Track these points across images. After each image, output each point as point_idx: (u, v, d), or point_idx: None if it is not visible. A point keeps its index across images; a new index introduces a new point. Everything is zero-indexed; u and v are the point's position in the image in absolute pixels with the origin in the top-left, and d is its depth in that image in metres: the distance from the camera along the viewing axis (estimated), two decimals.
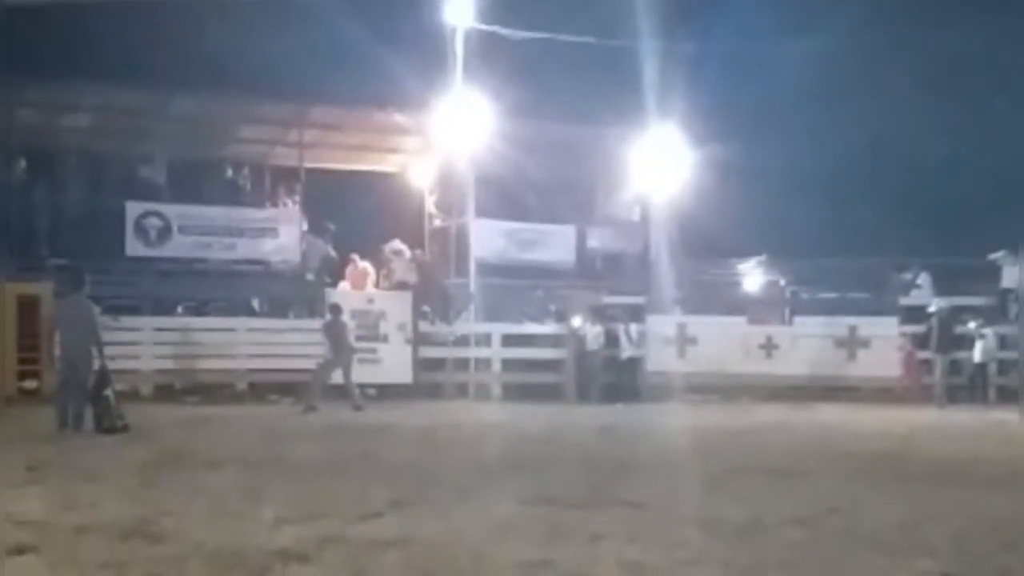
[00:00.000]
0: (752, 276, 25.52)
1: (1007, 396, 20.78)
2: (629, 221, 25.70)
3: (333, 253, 23.18)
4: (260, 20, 23.39)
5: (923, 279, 23.05)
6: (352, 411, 17.27)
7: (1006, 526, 7.71)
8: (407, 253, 23.45)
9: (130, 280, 21.41)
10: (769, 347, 21.87)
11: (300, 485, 9.15)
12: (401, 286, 22.70)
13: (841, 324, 21.83)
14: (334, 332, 18.79)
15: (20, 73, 20.40)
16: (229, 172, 24.41)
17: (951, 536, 7.29)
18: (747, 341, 21.94)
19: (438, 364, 22.07)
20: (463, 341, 22.17)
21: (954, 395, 21.08)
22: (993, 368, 21.84)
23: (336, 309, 19.20)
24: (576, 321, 21.69)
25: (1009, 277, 22.45)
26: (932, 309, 21.47)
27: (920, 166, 28.63)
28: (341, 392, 18.30)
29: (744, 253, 25.55)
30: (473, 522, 7.49)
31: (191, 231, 22.13)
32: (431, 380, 21.63)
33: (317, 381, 18.44)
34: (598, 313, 21.94)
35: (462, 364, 22.15)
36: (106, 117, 22.40)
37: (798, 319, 22.87)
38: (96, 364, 13.66)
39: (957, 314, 21.84)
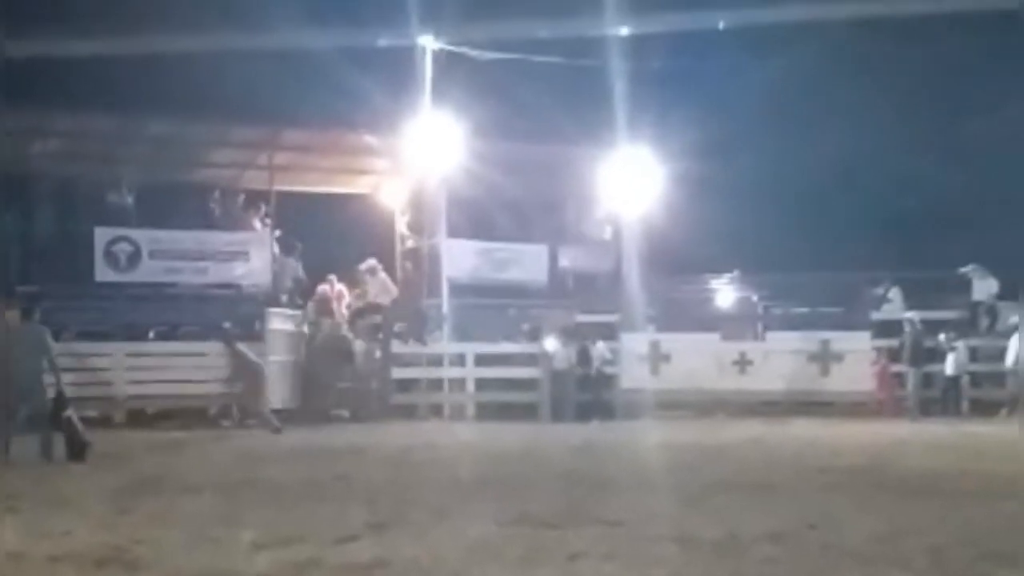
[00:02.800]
0: (724, 292, 25.60)
1: (979, 409, 20.92)
2: (601, 239, 25.76)
3: (302, 274, 23.14)
4: (233, 42, 23.33)
5: (894, 293, 23.17)
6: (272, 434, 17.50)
7: (983, 538, 7.74)
8: (381, 272, 23.42)
9: (100, 306, 21.30)
10: (743, 363, 21.92)
11: (276, 509, 9.10)
12: (374, 307, 22.68)
13: (814, 339, 21.91)
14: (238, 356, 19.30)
15: None
16: (200, 196, 24.31)
17: (928, 549, 7.30)
18: (721, 357, 21.98)
19: (412, 384, 22.04)
20: (437, 361, 22.14)
21: (927, 408, 21.19)
22: (965, 381, 21.96)
23: (230, 335, 19.75)
24: (548, 341, 21.68)
25: (979, 290, 22.63)
26: (906, 321, 21.56)
27: (891, 181, 28.84)
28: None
29: (716, 269, 25.63)
30: (451, 543, 7.46)
31: (161, 256, 22.05)
32: (406, 401, 21.60)
33: (259, 406, 18.47)
34: (570, 332, 21.95)
35: (436, 384, 22.12)
36: (76, 142, 22.32)
37: (771, 335, 22.94)
38: (52, 390, 13.56)
39: (931, 327, 21.96)
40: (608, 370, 21.78)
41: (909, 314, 21.76)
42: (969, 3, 19.05)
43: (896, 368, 21.52)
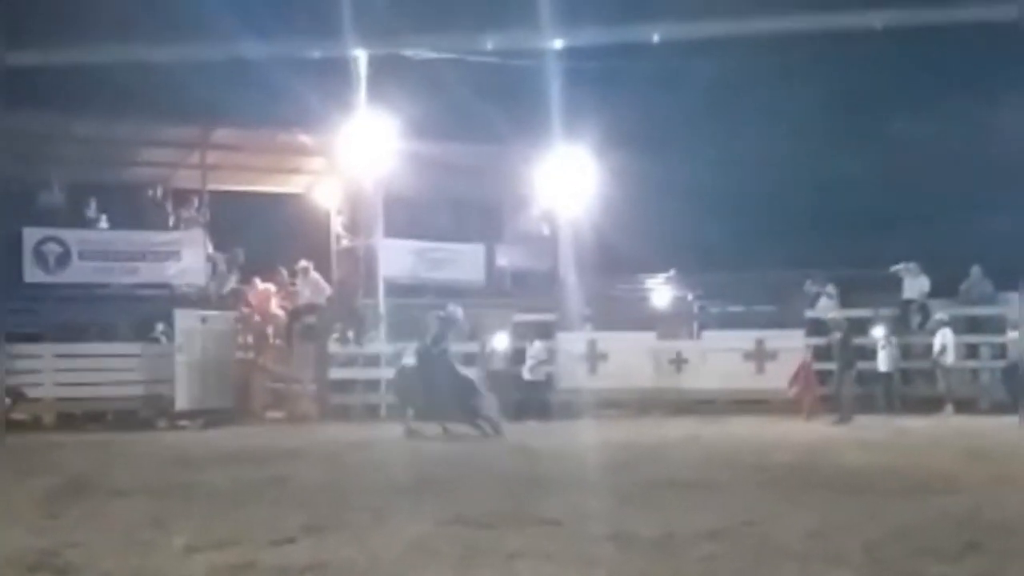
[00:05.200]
0: (660, 291, 25.69)
1: (911, 406, 21.16)
2: (538, 238, 25.77)
3: (234, 284, 23.01)
4: (163, 41, 23.06)
5: (830, 290, 23.39)
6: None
7: (914, 534, 7.82)
8: (313, 272, 23.26)
9: (30, 307, 20.96)
10: (679, 362, 22.01)
11: (210, 512, 8.99)
12: (309, 307, 22.52)
13: (749, 337, 22.06)
14: None
15: None
16: (131, 196, 24.02)
17: (863, 545, 7.37)
18: (657, 356, 22.06)
19: (348, 385, 21.90)
20: (373, 361, 22.00)
21: (860, 405, 21.41)
22: (897, 378, 22.22)
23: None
24: (487, 340, 21.64)
25: (911, 288, 22.91)
26: (830, 320, 21.39)
27: (823, 182, 29.15)
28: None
29: (652, 269, 25.73)
30: (388, 545, 7.41)
31: (91, 256, 21.76)
32: (341, 402, 21.46)
33: None
34: (506, 331, 21.92)
35: (373, 385, 21.98)
36: (4, 141, 21.92)
37: (707, 333, 23.06)
38: None
39: (862, 325, 22.17)
40: (544, 369, 21.76)
41: (833, 313, 21.82)
42: (896, 15, 19.32)
43: (819, 367, 21.64)
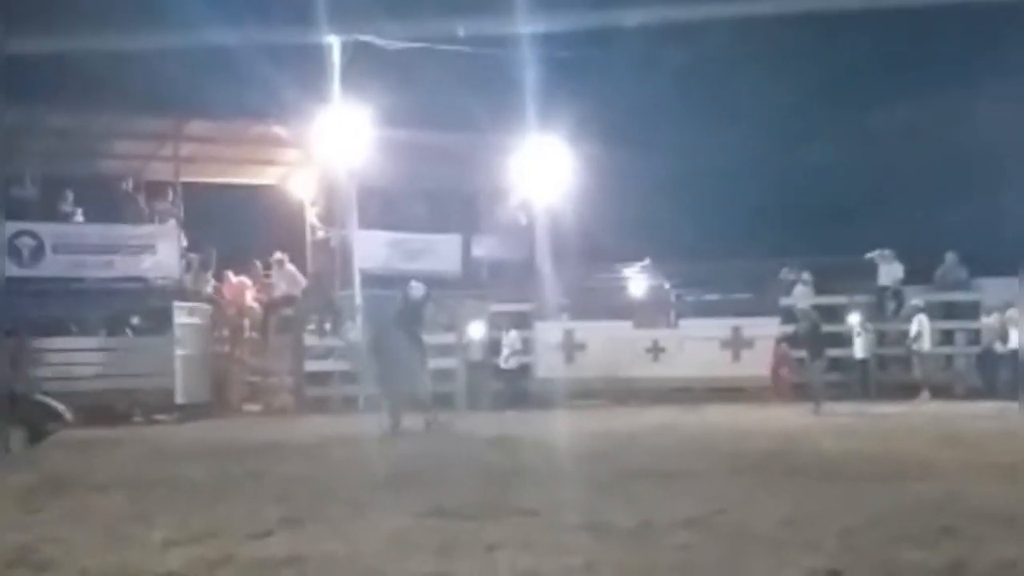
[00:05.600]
0: (637, 280, 25.76)
1: (887, 392, 21.29)
2: (514, 228, 25.76)
3: (210, 285, 22.95)
4: (134, 32, 22.94)
5: (806, 278, 23.50)
6: None
7: (890, 520, 7.88)
8: (288, 264, 23.21)
9: (3, 301, 20.82)
10: (656, 350, 22.10)
11: (188, 506, 8.98)
12: (286, 299, 22.49)
13: (725, 326, 22.16)
14: None
15: None
16: (104, 188, 23.90)
17: (837, 532, 7.42)
18: (634, 345, 22.15)
19: (325, 377, 21.87)
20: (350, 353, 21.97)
21: (836, 392, 21.53)
22: (873, 364, 22.35)
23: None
24: (476, 327, 21.62)
25: (885, 275, 23.06)
26: (798, 310, 21.20)
27: (798, 170, 29.25)
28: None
29: (628, 258, 25.79)
30: (367, 537, 7.42)
31: (65, 250, 21.66)
32: (318, 395, 21.44)
33: None
34: (483, 321, 21.93)
35: (350, 377, 21.94)
36: None
37: (683, 322, 23.16)
38: None
39: (837, 312, 22.28)
40: (521, 359, 21.78)
41: (803, 303, 21.71)
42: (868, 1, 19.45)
43: (794, 353, 21.74)
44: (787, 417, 17.57)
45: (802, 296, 23.26)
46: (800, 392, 20.50)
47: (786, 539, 7.25)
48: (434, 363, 21.63)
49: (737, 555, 6.82)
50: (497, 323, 22.12)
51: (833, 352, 22.08)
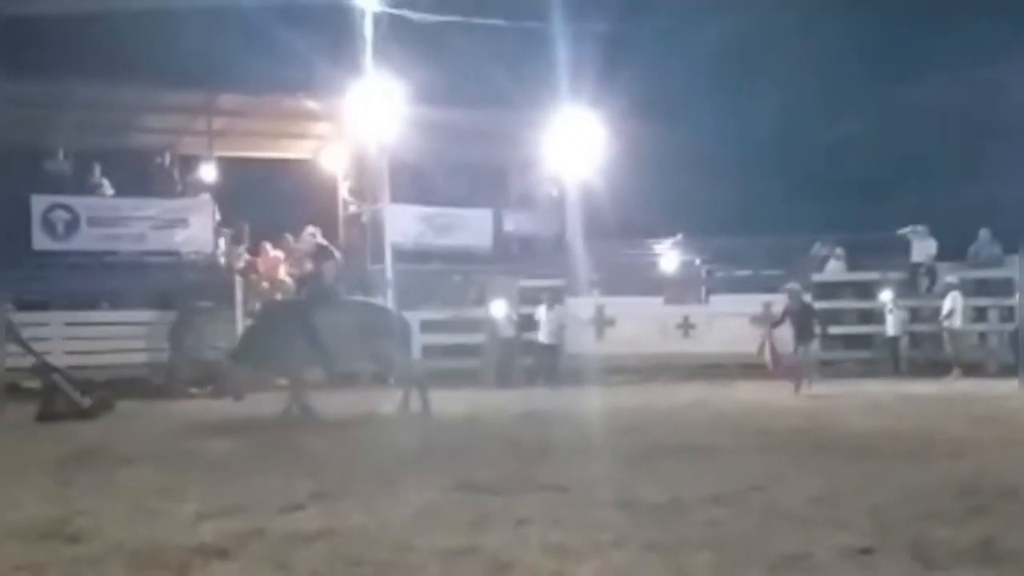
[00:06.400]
0: (668, 256, 25.68)
1: (918, 370, 21.17)
2: (545, 204, 25.74)
3: (243, 259, 22.99)
4: (168, 4, 23.03)
5: (838, 253, 23.37)
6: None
7: (920, 498, 7.84)
8: (321, 239, 23.25)
9: (39, 275, 21.01)
10: (686, 326, 22.03)
11: (218, 479, 9.03)
12: (316, 274, 22.51)
13: (756, 302, 22.06)
14: None
15: None
16: (136, 162, 24.02)
17: (868, 509, 7.40)
18: (664, 321, 22.08)
19: None
20: None
21: (866, 369, 21.44)
22: (905, 342, 22.23)
23: None
24: (498, 304, 21.61)
25: (918, 251, 22.91)
26: (786, 290, 19.93)
27: (830, 144, 29.09)
28: None
29: (660, 233, 25.72)
30: (397, 511, 7.45)
31: (99, 223, 21.78)
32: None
33: None
34: (514, 297, 21.89)
35: None
36: (10, 109, 21.90)
37: (714, 298, 23.08)
38: None
39: (867, 287, 22.12)
40: (563, 334, 21.66)
41: (791, 284, 20.94)
42: None
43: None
44: (817, 394, 17.49)
45: (834, 272, 23.15)
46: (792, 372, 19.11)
47: (816, 516, 7.24)
48: (465, 339, 21.77)
49: (767, 532, 6.81)
50: (531, 298, 21.99)
51: (864, 329, 21.99)
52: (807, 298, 19.89)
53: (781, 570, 5.94)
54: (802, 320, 18.94)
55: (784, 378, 18.73)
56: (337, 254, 16.10)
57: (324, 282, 15.36)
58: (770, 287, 22.69)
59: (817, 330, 18.99)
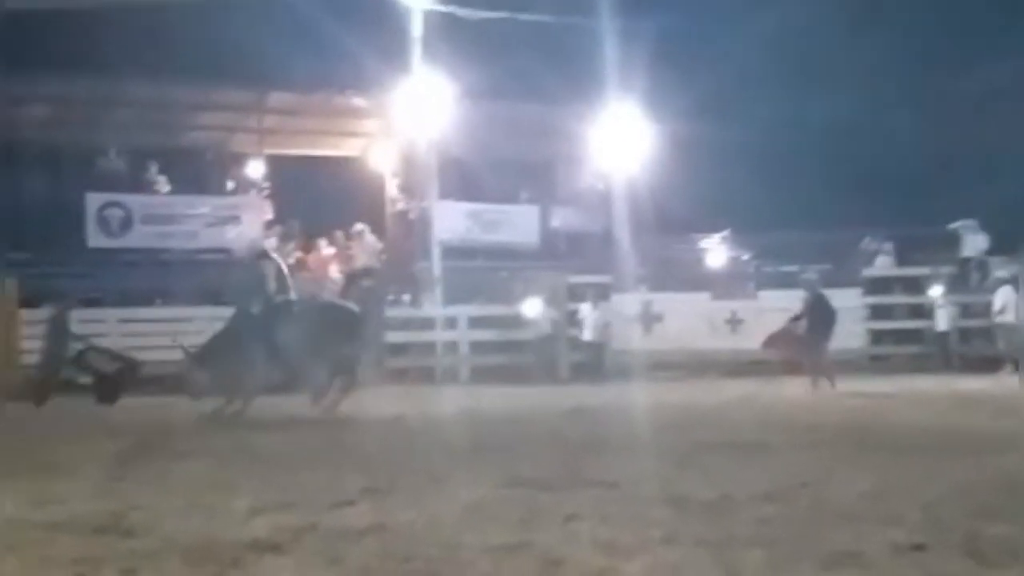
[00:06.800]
0: (716, 251, 25.59)
1: (969, 365, 20.96)
2: (592, 199, 25.71)
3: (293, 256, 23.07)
4: (217, 5, 23.19)
5: (888, 248, 23.19)
6: None
7: (973, 493, 7.78)
8: (369, 235, 23.37)
9: (93, 272, 21.26)
10: (734, 322, 21.96)
11: (271, 475, 9.10)
12: (365, 271, 22.62)
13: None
14: None
15: None
16: (188, 160, 24.24)
17: (921, 505, 7.33)
18: (712, 317, 22.02)
19: (403, 349, 21.96)
20: (428, 325, 22.10)
21: (916, 364, 21.26)
22: (955, 337, 22.03)
23: None
24: (532, 302, 21.57)
25: (970, 246, 22.70)
26: (803, 280, 19.63)
27: (880, 138, 28.83)
28: None
29: (707, 229, 25.62)
30: (447, 507, 7.47)
31: (153, 221, 22.01)
32: (397, 365, 21.56)
33: None
34: (560, 293, 21.87)
35: (428, 348, 22.08)
36: (64, 107, 22.22)
37: (762, 293, 22.97)
38: None
39: (917, 282, 21.93)
40: (600, 332, 21.65)
41: (807, 274, 20.54)
42: None
43: (875, 325, 21.33)
44: (867, 390, 17.36)
45: (883, 267, 22.98)
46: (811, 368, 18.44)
47: (868, 513, 7.19)
48: (512, 335, 21.77)
49: (818, 528, 6.77)
50: (578, 294, 21.98)
51: (914, 324, 21.80)
52: (823, 290, 19.09)
53: (832, 567, 5.90)
54: (817, 312, 18.27)
55: (802, 373, 18.41)
56: (278, 260, 15.63)
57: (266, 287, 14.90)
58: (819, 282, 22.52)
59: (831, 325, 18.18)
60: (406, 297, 22.50)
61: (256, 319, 14.67)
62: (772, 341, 19.57)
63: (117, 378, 16.50)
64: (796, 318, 18.61)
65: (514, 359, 21.71)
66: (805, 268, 23.05)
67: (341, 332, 14.58)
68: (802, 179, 28.54)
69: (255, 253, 16.18)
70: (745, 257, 25.51)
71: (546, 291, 21.76)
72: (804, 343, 18.22)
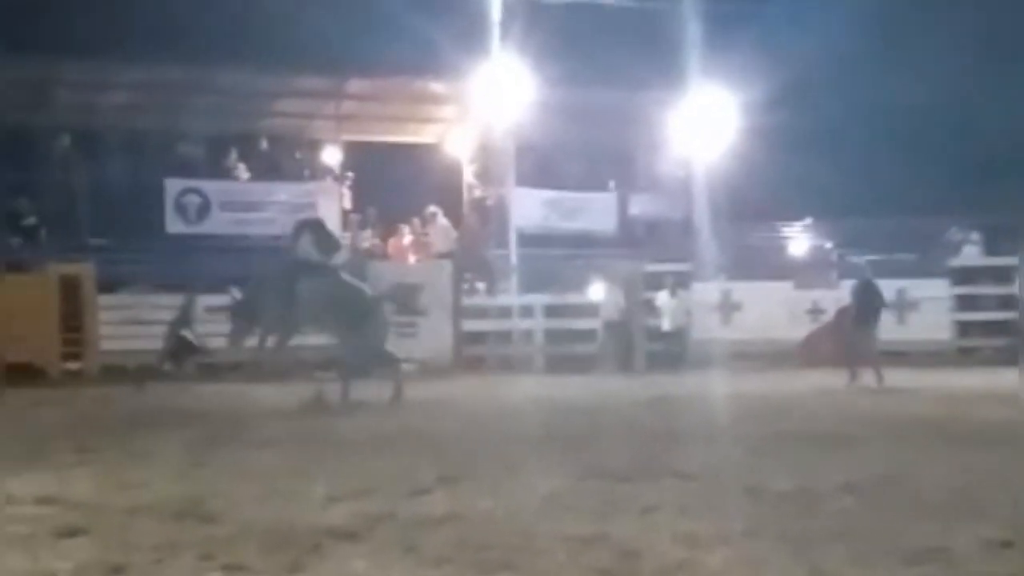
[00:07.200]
0: (798, 240, 25.26)
1: None
2: (672, 186, 25.48)
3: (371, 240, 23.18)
4: None
5: (975, 238, 22.74)
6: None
7: None
8: (442, 219, 23.34)
9: (171, 258, 21.48)
10: (815, 312, 21.62)
11: (347, 462, 9.13)
12: (440, 256, 22.64)
13: (889, 287, 21.52)
14: None
15: (58, 51, 20.48)
16: (266, 146, 24.40)
17: (1009, 500, 7.17)
18: (793, 306, 21.70)
19: (479, 337, 21.90)
20: (505, 313, 22.03)
21: (1008, 357, 20.78)
22: None
23: None
24: (597, 288, 21.38)
25: None
26: (855, 267, 18.89)
27: (968, 123, 28.22)
28: None
29: (789, 216, 25.31)
30: (523, 497, 7.43)
31: (230, 207, 22.20)
32: (473, 354, 21.53)
33: None
34: (637, 281, 21.63)
35: (504, 337, 22.00)
36: (144, 94, 22.48)
37: (845, 283, 22.61)
38: None
39: (1006, 272, 21.45)
40: (680, 320, 21.44)
41: (855, 260, 19.58)
42: None
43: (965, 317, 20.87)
44: (953, 382, 17.01)
45: (971, 257, 22.53)
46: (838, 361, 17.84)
47: (955, 506, 7.04)
48: (589, 324, 21.59)
49: (902, 523, 6.63)
50: (657, 283, 21.72)
51: (1002, 315, 21.31)
52: (871, 277, 18.19)
53: (917, 563, 5.76)
54: (863, 301, 17.44)
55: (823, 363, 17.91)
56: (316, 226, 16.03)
57: (301, 253, 15.19)
58: (904, 272, 22.15)
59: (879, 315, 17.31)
60: (481, 285, 22.43)
61: (281, 275, 15.13)
62: (809, 344, 18.94)
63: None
64: (845, 309, 18.00)
65: (590, 348, 21.57)
66: (892, 256, 22.76)
67: (346, 311, 14.62)
68: (886, 165, 28.05)
69: (296, 224, 16.44)
70: (828, 245, 25.15)
71: (619, 279, 21.48)
72: (849, 336, 17.53)
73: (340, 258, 15.84)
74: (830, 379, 17.46)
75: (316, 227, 16.00)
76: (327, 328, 15.12)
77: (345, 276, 15.17)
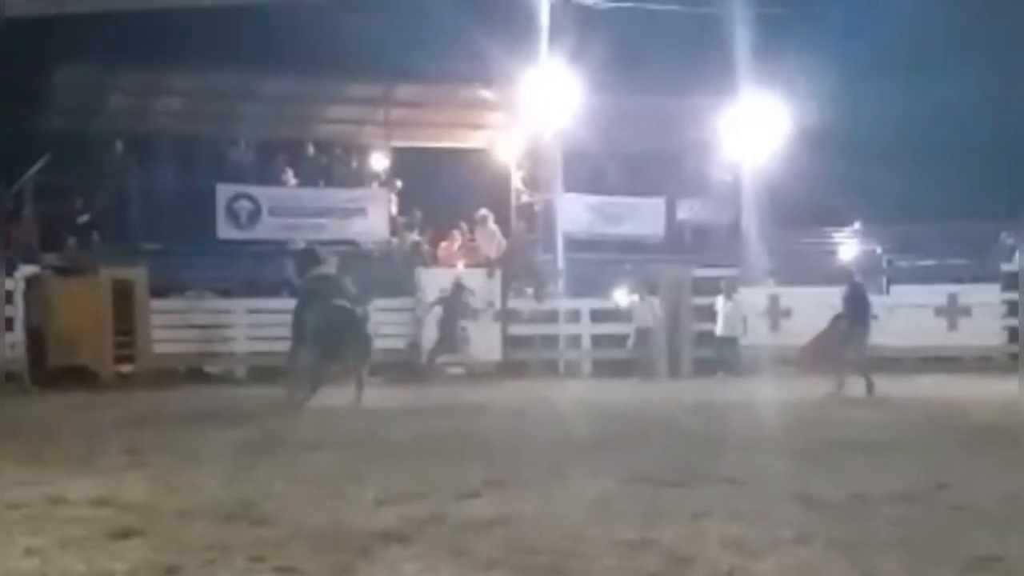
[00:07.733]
0: (848, 245, 25.08)
1: None
2: (720, 191, 25.38)
3: (417, 237, 23.25)
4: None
5: None
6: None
7: None
8: (491, 223, 23.35)
9: (222, 262, 21.66)
10: None
11: (397, 465, 9.15)
12: (488, 263, 22.67)
13: (940, 292, 21.36)
14: None
15: (113, 58, 20.72)
16: (316, 152, 24.54)
17: None
18: None
19: (526, 342, 21.91)
20: (552, 317, 22.03)
21: None
22: None
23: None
24: (634, 296, 21.25)
25: None
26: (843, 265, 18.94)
27: (1020, 128, 27.88)
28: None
29: (839, 221, 25.12)
30: (571, 501, 7.42)
31: (280, 213, 22.35)
32: (519, 358, 21.53)
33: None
34: (685, 286, 21.50)
35: (551, 341, 21.99)
36: (196, 100, 22.72)
37: (896, 288, 22.44)
38: None
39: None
40: (740, 326, 21.26)
41: (845, 264, 19.02)
42: None
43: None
44: (1006, 389, 16.80)
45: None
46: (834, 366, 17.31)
47: (1009, 515, 6.95)
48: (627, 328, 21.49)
49: (956, 531, 6.56)
50: (708, 289, 21.57)
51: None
52: (861, 281, 18.05)
53: (972, 571, 5.71)
54: (851, 307, 17.09)
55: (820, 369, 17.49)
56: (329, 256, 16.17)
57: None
58: (956, 277, 21.96)
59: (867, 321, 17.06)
60: (529, 290, 22.44)
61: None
62: (805, 355, 18.54)
63: None
64: (840, 316, 17.50)
65: (635, 353, 21.49)
66: (943, 262, 22.52)
67: (332, 332, 14.86)
68: (937, 169, 27.77)
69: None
70: (878, 251, 24.95)
71: (663, 284, 21.35)
72: (842, 343, 16.99)
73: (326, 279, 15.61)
74: (882, 385, 17.29)
75: (301, 256, 16.33)
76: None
77: (338, 301, 15.19)
